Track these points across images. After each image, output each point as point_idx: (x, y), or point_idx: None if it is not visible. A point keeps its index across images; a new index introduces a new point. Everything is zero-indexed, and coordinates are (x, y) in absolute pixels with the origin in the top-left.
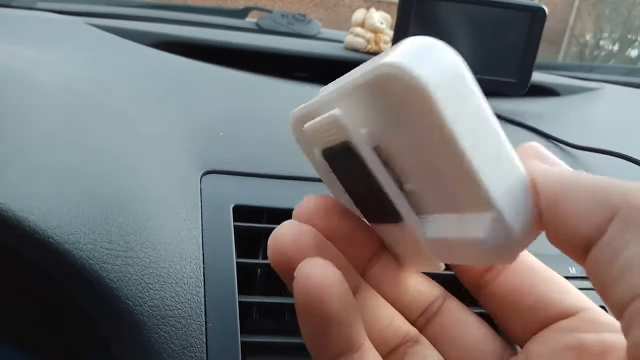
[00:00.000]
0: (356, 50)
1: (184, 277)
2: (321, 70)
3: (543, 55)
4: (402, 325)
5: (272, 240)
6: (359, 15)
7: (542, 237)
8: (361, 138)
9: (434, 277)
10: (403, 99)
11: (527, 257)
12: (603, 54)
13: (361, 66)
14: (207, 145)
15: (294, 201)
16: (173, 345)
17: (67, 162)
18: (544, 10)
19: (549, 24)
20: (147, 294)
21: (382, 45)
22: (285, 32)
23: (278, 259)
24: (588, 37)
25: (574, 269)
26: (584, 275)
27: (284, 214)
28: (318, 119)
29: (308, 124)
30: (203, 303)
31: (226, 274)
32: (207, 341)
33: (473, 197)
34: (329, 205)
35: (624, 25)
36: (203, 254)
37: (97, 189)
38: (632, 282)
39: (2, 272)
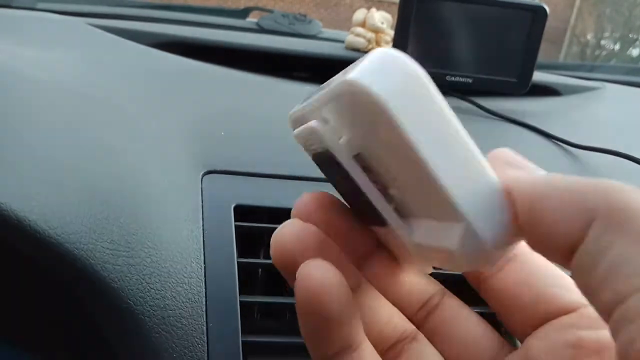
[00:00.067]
0: (357, 50)
1: (184, 276)
2: (322, 70)
3: (544, 54)
4: (400, 323)
5: (274, 239)
6: (360, 14)
7: None
8: (339, 147)
9: (433, 274)
10: (367, 112)
11: (529, 251)
12: (604, 53)
13: (343, 70)
14: (207, 144)
15: (294, 200)
16: (174, 345)
17: (67, 162)
18: (544, 10)
19: (549, 23)
20: (147, 293)
21: (383, 45)
22: (285, 31)
23: (280, 258)
24: (589, 37)
25: None
26: None
27: (285, 213)
28: (301, 128)
29: (295, 132)
30: (204, 302)
31: (227, 274)
32: (207, 341)
33: (443, 206)
34: (326, 200)
35: (624, 25)
36: (204, 254)
37: (98, 188)
38: (618, 286)
39: (2, 272)
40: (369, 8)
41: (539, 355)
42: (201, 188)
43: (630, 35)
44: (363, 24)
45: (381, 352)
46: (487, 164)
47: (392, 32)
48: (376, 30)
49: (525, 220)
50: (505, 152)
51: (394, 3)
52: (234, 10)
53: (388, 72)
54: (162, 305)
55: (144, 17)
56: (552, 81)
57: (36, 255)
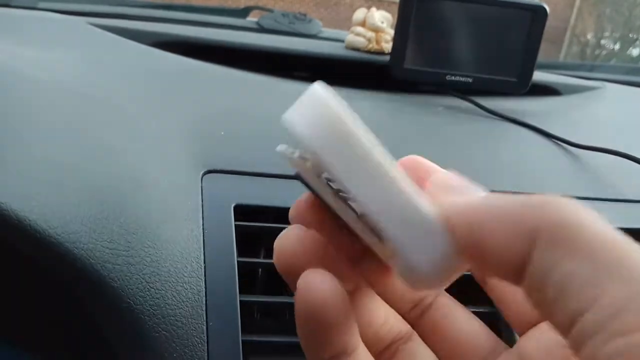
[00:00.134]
0: (357, 49)
1: (184, 276)
2: (322, 69)
3: (544, 54)
4: (396, 324)
5: (276, 245)
6: (360, 14)
7: None
8: (306, 169)
9: None
10: (302, 146)
11: None
12: (604, 52)
13: None
14: (207, 144)
15: (294, 200)
16: (174, 344)
17: (67, 162)
18: (544, 9)
19: (549, 23)
20: (147, 293)
21: (383, 44)
22: (286, 31)
23: (282, 265)
24: (589, 36)
25: None
26: None
27: (285, 213)
28: (277, 148)
29: (277, 149)
30: (204, 302)
31: (227, 273)
32: (207, 340)
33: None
34: (317, 202)
35: (624, 24)
36: (204, 253)
37: (98, 188)
38: (571, 304)
39: (2, 272)
40: (369, 7)
41: (533, 354)
42: (201, 188)
43: (630, 35)
44: (363, 24)
45: (376, 353)
46: (416, 194)
47: (392, 32)
48: (376, 30)
49: (467, 246)
50: (441, 177)
51: (394, 2)
52: (234, 10)
53: (311, 113)
54: (162, 305)
55: (144, 16)
56: (552, 81)
57: (36, 255)
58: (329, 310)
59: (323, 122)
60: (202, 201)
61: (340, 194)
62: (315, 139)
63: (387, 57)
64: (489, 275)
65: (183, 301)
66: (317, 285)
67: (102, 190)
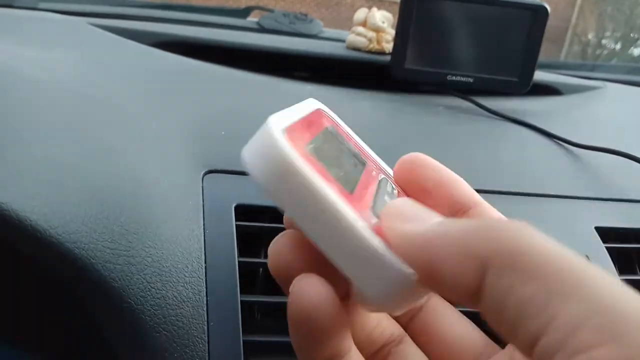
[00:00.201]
0: (358, 49)
1: (185, 276)
2: (323, 69)
3: (545, 53)
4: (388, 327)
5: (269, 250)
6: (361, 14)
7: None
8: None
9: None
10: None
11: None
12: (605, 52)
13: None
14: (208, 144)
15: None
16: (175, 345)
17: (68, 162)
18: (545, 9)
19: (550, 23)
20: (148, 293)
21: (384, 44)
22: (286, 31)
23: (275, 269)
24: (590, 36)
25: None
26: None
27: None
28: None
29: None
30: (205, 302)
31: (228, 273)
32: (208, 340)
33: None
34: None
35: (625, 24)
36: (205, 253)
37: (99, 188)
38: (530, 327)
39: (2, 272)
40: (370, 7)
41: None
42: (202, 187)
43: (632, 35)
44: (364, 24)
45: (369, 356)
46: (365, 229)
47: (393, 32)
48: (377, 30)
49: (421, 274)
50: (394, 206)
51: (395, 2)
52: (234, 10)
53: (259, 153)
54: (162, 305)
55: (144, 16)
56: (553, 80)
57: (36, 255)
58: (320, 315)
59: (268, 163)
60: (202, 201)
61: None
62: (263, 180)
63: (388, 57)
64: (446, 298)
65: (184, 301)
66: (309, 290)
67: (103, 190)
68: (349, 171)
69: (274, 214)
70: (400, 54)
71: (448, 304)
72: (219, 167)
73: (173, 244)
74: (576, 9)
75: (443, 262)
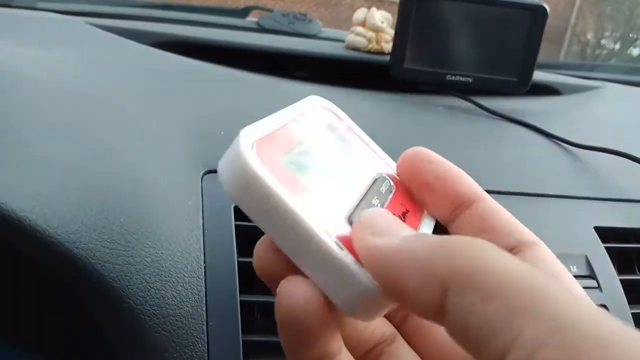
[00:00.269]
0: (357, 49)
1: (184, 276)
2: (322, 69)
3: (544, 53)
4: (379, 326)
5: (254, 250)
6: (360, 14)
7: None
8: None
9: None
10: None
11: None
12: (604, 52)
13: None
14: (208, 144)
15: None
16: (174, 344)
17: (68, 162)
18: (545, 9)
19: (550, 23)
20: (148, 293)
21: (383, 44)
22: (286, 31)
23: (260, 270)
24: (589, 36)
25: (575, 268)
26: (586, 274)
27: None
28: None
29: None
30: (204, 302)
31: (227, 273)
32: (208, 340)
33: None
34: None
35: (625, 24)
36: (204, 253)
37: (98, 188)
38: (493, 346)
39: (2, 272)
40: (369, 7)
41: None
42: (201, 188)
43: (631, 35)
44: (363, 24)
45: (360, 355)
46: (332, 242)
47: (392, 32)
48: (376, 30)
49: (386, 289)
50: (366, 216)
51: (394, 2)
52: (234, 10)
53: (229, 166)
54: (162, 305)
55: (144, 16)
56: (552, 80)
57: (36, 255)
58: (307, 316)
59: (235, 177)
60: (202, 201)
61: None
62: (231, 192)
63: (387, 57)
64: (412, 312)
65: (183, 301)
66: (295, 292)
67: (102, 190)
68: (336, 175)
69: None
70: (399, 54)
71: None
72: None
73: (172, 244)
74: (575, 9)
75: (405, 280)
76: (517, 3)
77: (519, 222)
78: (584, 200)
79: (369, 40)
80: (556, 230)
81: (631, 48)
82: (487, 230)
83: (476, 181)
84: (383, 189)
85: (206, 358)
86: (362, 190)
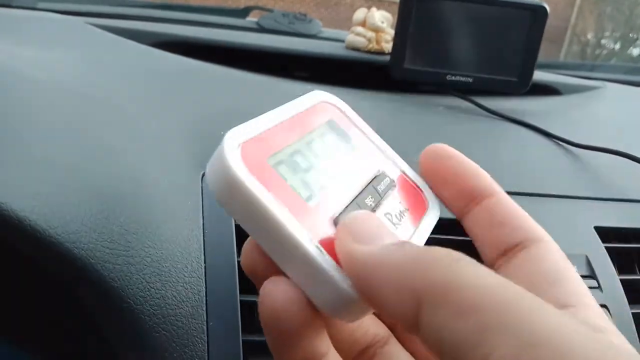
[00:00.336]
0: (357, 49)
1: (185, 276)
2: (322, 69)
3: (544, 53)
4: (372, 327)
5: (242, 250)
6: (360, 14)
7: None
8: None
9: None
10: None
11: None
12: (604, 52)
13: None
14: (208, 144)
15: None
16: (174, 344)
17: (67, 162)
18: (545, 9)
19: (550, 23)
20: (148, 292)
21: (383, 44)
22: (286, 31)
23: (246, 269)
24: (589, 36)
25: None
26: (586, 274)
27: None
28: None
29: None
30: (204, 302)
31: (227, 273)
32: (208, 340)
33: None
34: None
35: (625, 24)
36: (204, 253)
37: (98, 188)
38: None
39: (2, 272)
40: (369, 7)
41: None
42: (201, 188)
43: (631, 35)
44: (363, 24)
45: (353, 356)
46: (313, 247)
47: (392, 32)
48: (376, 30)
49: (363, 296)
50: (351, 222)
51: (394, 2)
52: (234, 10)
53: (214, 172)
54: (162, 305)
55: (144, 16)
56: (552, 80)
57: (36, 255)
58: (288, 318)
59: (218, 179)
60: (202, 201)
61: None
62: (215, 194)
63: (387, 57)
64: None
65: (183, 301)
66: (277, 292)
67: (102, 190)
68: (330, 173)
69: None
70: (399, 54)
71: None
72: None
73: (172, 244)
74: (575, 9)
75: (381, 290)
76: (517, 3)
77: (529, 218)
78: (584, 200)
79: (369, 40)
80: (556, 230)
81: (631, 48)
82: (495, 224)
83: None
84: (381, 186)
85: (206, 358)
86: (358, 189)
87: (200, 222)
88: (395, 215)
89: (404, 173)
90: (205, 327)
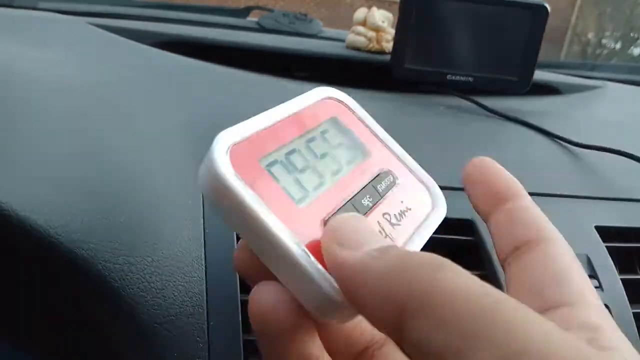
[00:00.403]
0: (357, 49)
1: (185, 275)
2: (322, 69)
3: (545, 53)
4: (368, 328)
5: (234, 254)
6: (360, 13)
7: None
8: None
9: None
10: None
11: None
12: (605, 52)
13: None
14: (208, 144)
15: None
16: (174, 344)
17: (68, 162)
18: (545, 8)
19: (550, 22)
20: (148, 292)
21: (384, 44)
22: (286, 31)
23: (240, 270)
24: (590, 35)
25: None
26: (587, 273)
27: None
28: None
29: None
30: (205, 302)
31: (228, 273)
32: (208, 340)
33: None
34: None
35: (625, 24)
36: (204, 253)
37: (99, 188)
38: None
39: (3, 271)
40: (369, 7)
41: None
42: None
43: (632, 34)
44: (364, 23)
45: (351, 358)
46: (299, 249)
47: (392, 31)
48: (377, 29)
49: (350, 301)
50: (332, 226)
51: (394, 2)
52: (234, 10)
53: (204, 174)
54: (163, 304)
55: (144, 16)
56: (553, 80)
57: (36, 254)
58: (277, 320)
59: (207, 181)
60: (202, 201)
61: None
62: (205, 195)
63: (388, 57)
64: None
65: (184, 300)
66: (265, 296)
67: (103, 190)
68: (328, 173)
69: None
70: (400, 54)
71: None
72: None
73: (173, 244)
74: (576, 9)
75: (364, 297)
76: (517, 3)
77: (544, 218)
78: (585, 199)
79: (370, 39)
80: (557, 229)
81: (632, 47)
82: (512, 222)
83: None
84: (382, 186)
85: (207, 357)
86: (356, 189)
87: (200, 222)
88: (395, 216)
89: (411, 171)
90: (205, 327)
